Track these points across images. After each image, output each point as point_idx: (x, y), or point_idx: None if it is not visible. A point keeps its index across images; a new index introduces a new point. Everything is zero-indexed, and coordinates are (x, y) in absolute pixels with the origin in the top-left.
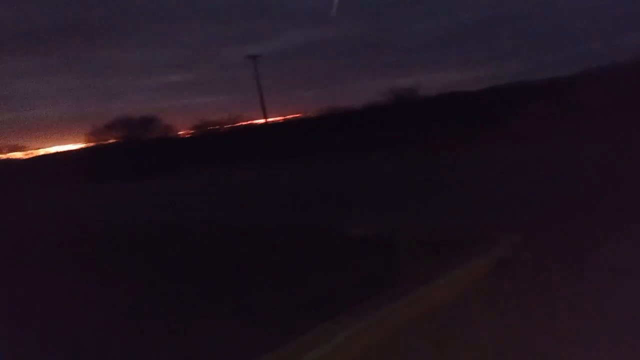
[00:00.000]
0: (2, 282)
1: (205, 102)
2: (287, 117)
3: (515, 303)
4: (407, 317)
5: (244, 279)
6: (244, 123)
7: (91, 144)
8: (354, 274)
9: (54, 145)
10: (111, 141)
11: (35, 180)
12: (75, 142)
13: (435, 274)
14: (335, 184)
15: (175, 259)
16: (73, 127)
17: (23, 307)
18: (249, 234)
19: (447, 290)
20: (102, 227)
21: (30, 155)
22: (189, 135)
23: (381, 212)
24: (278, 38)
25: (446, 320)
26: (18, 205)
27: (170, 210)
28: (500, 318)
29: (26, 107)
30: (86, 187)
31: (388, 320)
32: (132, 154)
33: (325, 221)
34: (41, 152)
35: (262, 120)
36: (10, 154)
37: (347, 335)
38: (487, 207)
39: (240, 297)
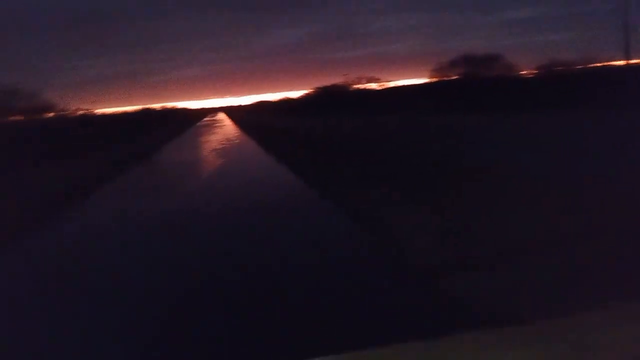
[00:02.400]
0: None
1: (553, 40)
2: None
3: None
4: None
5: None
6: (598, 64)
7: (434, 79)
8: None
9: (402, 79)
10: (453, 77)
11: (386, 108)
12: (421, 76)
13: None
14: None
15: None
16: (420, 62)
17: None
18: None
19: None
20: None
21: (383, 87)
22: (532, 75)
23: None
24: None
25: None
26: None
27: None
28: None
29: (381, 43)
30: (430, 116)
31: None
32: (470, 91)
33: None
34: (391, 84)
35: (622, 62)
36: (368, 84)
37: None
38: None
39: None
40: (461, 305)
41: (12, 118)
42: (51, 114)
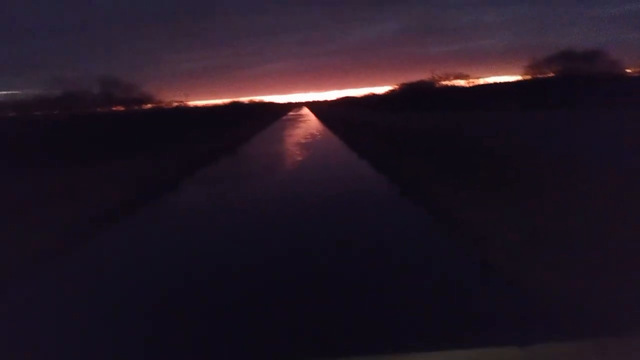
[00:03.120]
0: None
1: None
2: None
3: None
4: None
5: None
6: None
7: (528, 77)
8: None
9: (492, 76)
10: (549, 75)
11: (474, 105)
12: (513, 73)
13: None
14: None
15: None
16: (512, 58)
17: None
18: None
19: None
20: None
21: (472, 84)
22: (637, 74)
23: None
24: None
25: None
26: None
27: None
28: None
29: (472, 38)
30: (521, 115)
31: None
32: (568, 89)
33: None
34: (480, 81)
35: None
36: (455, 81)
37: None
38: None
39: None
40: (548, 312)
41: (114, 108)
42: (148, 105)
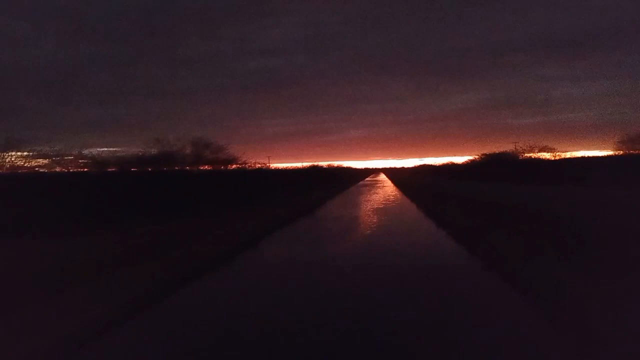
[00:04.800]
0: None
1: None
2: None
3: None
4: None
5: None
6: None
7: (619, 152)
8: None
9: (580, 150)
10: None
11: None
12: (603, 148)
13: None
14: None
15: None
16: (601, 133)
17: None
18: None
19: None
20: None
21: (557, 157)
22: None
23: None
24: None
25: None
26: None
27: None
28: None
29: (560, 111)
30: (609, 191)
31: None
32: None
33: None
34: (567, 154)
35: None
36: (540, 153)
37: None
38: None
39: None
40: None
41: (203, 167)
42: (234, 166)
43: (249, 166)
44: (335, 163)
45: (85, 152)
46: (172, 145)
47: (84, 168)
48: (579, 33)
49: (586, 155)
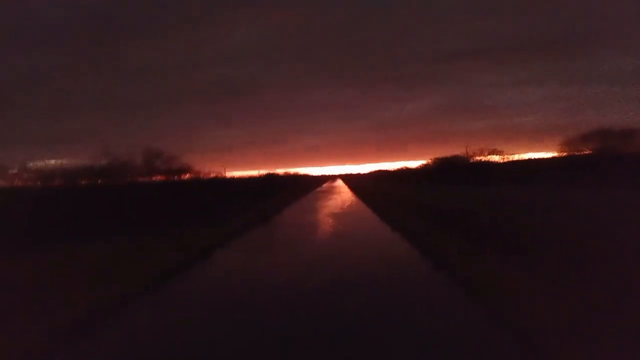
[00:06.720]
0: None
1: None
2: None
3: None
4: None
5: None
6: None
7: (562, 154)
8: None
9: (526, 152)
10: (584, 152)
11: (507, 180)
12: (547, 150)
13: None
14: None
15: None
16: (546, 136)
17: None
18: None
19: None
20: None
21: (506, 160)
22: None
23: None
24: None
25: None
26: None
27: None
28: None
29: (507, 115)
30: (556, 191)
31: None
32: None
33: None
34: (515, 157)
35: None
36: (489, 156)
37: None
38: None
39: None
40: None
41: (155, 177)
42: (187, 176)
43: (204, 175)
44: (292, 170)
45: (30, 164)
46: (122, 156)
47: (28, 182)
48: (523, 41)
49: (532, 157)
